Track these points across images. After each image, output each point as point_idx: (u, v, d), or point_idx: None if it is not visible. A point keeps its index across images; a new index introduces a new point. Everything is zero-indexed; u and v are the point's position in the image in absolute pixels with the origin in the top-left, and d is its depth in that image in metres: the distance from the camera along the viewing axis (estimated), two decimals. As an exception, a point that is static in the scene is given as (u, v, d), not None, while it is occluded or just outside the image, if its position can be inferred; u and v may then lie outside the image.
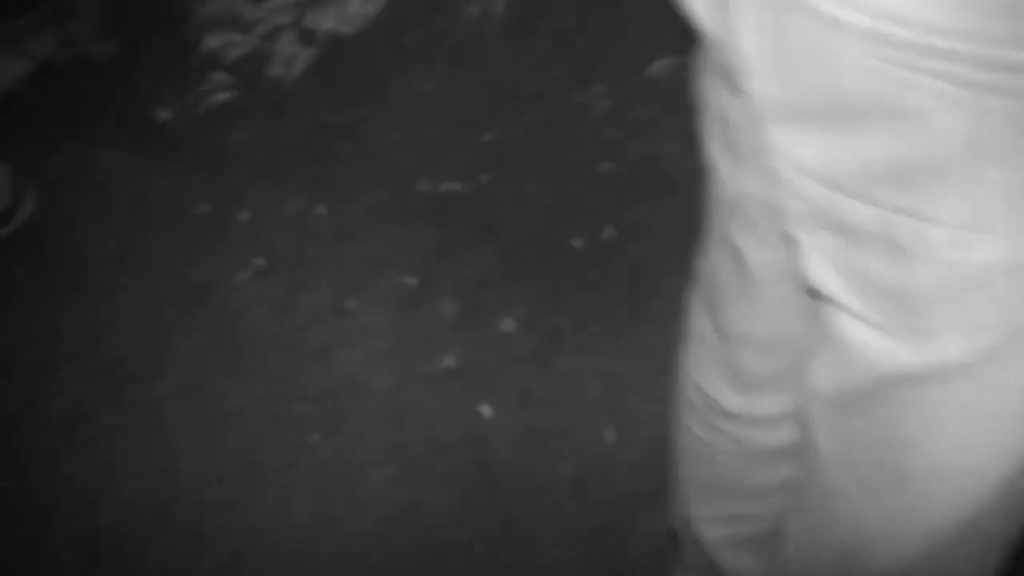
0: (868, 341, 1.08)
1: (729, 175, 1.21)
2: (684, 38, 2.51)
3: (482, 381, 2.25)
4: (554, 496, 2.15)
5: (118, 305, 2.43)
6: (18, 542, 2.24)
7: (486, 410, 2.22)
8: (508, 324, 2.28)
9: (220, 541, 2.19)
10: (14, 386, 2.38)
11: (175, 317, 2.39)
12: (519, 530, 2.13)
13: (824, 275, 1.05)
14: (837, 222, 0.99)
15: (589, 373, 2.23)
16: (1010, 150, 0.90)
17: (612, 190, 2.39)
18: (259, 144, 2.53)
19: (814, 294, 1.09)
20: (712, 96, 1.17)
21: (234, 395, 2.30)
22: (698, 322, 1.44)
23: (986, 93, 0.86)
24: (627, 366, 2.23)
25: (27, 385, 2.38)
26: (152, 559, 2.20)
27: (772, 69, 0.94)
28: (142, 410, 2.32)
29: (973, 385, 1.06)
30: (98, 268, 2.48)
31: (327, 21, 2.62)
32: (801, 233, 1.03)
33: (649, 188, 2.39)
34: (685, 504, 1.71)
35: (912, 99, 0.88)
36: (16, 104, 2.70)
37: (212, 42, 2.66)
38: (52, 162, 2.60)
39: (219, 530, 2.20)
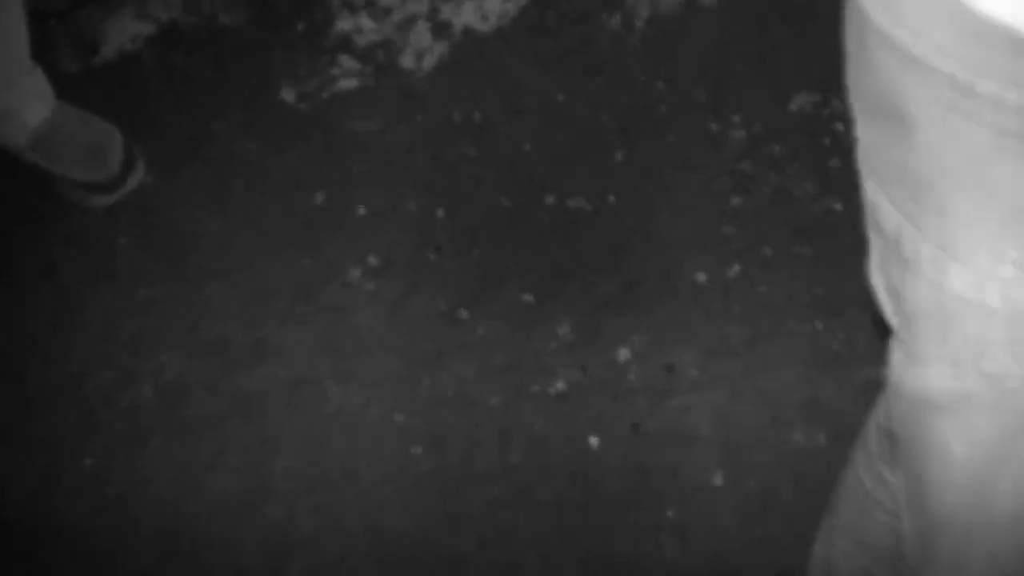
0: (897, 357, 1.07)
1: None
2: (827, 75, 2.45)
3: (592, 410, 2.19)
4: (656, 537, 2.09)
5: (222, 288, 2.38)
6: (99, 524, 2.20)
7: (594, 440, 2.17)
8: (624, 353, 2.22)
9: (308, 547, 2.14)
10: (106, 361, 2.33)
11: (281, 307, 2.33)
12: (617, 570, 2.08)
13: (874, 280, 1.04)
14: (877, 223, 1.01)
15: (703, 412, 2.17)
16: (978, 182, 0.89)
17: (741, 225, 2.32)
18: (383, 136, 2.47)
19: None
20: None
21: (336, 396, 2.25)
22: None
23: (961, 117, 0.86)
24: (743, 410, 2.18)
25: (120, 361, 2.33)
26: (235, 557, 2.15)
27: (851, 54, 0.96)
28: (240, 400, 2.27)
29: (962, 425, 1.04)
30: (204, 247, 2.43)
31: (463, 15, 2.55)
32: (869, 233, 1.02)
33: (779, 227, 2.32)
34: (830, 546, 1.67)
35: (907, 105, 0.89)
36: (133, 68, 2.64)
37: (344, 25, 2.60)
38: (168, 131, 2.55)
39: (308, 536, 2.15)
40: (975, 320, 0.98)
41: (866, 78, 0.92)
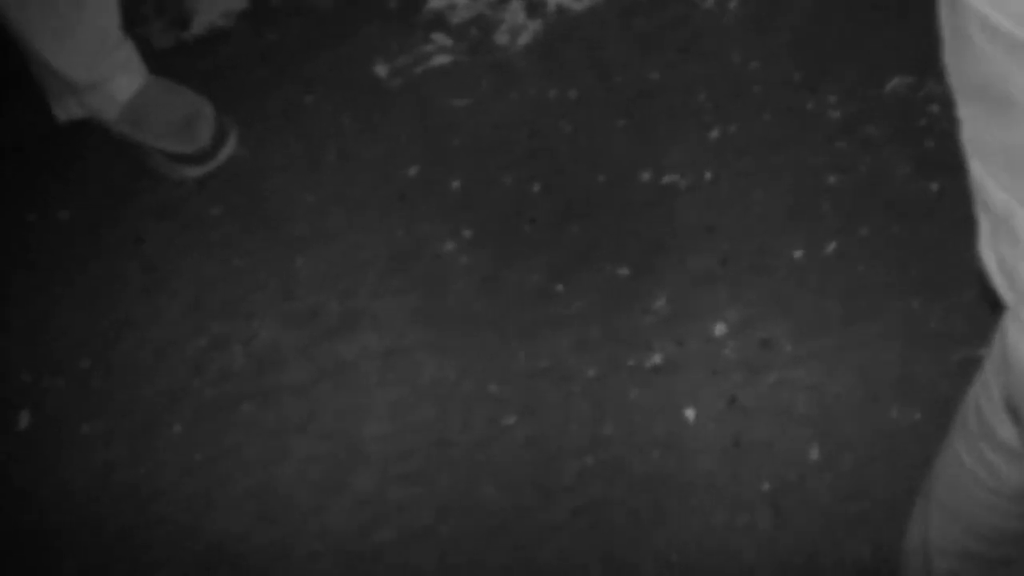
0: (1013, 333, 1.06)
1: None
2: (922, 57, 2.43)
3: (688, 383, 2.17)
4: (751, 511, 2.07)
5: (315, 257, 2.38)
6: (186, 488, 2.20)
7: (690, 414, 2.15)
8: (720, 328, 2.21)
9: (397, 515, 2.13)
10: (197, 328, 2.33)
11: (375, 278, 2.33)
12: (713, 542, 2.06)
13: (985, 257, 1.02)
14: (985, 203, 0.99)
15: (799, 388, 2.15)
16: None
17: (838, 204, 2.30)
18: (477, 112, 2.46)
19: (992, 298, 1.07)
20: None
21: (430, 366, 2.24)
22: (1000, 340, 1.38)
23: None
24: (839, 386, 2.15)
25: (211, 328, 2.33)
26: (323, 522, 2.14)
27: (948, 39, 0.95)
28: (332, 367, 2.27)
29: None
30: (297, 217, 2.42)
31: (557, -6, 2.55)
32: (977, 212, 1.02)
33: (874, 207, 2.30)
34: (926, 527, 1.64)
35: (1012, 89, 0.88)
36: (226, 42, 2.65)
37: (437, 2, 2.60)
38: (260, 104, 2.55)
39: (399, 503, 2.14)
40: None
41: (967, 63, 0.92)
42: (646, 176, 2.37)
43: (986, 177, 0.97)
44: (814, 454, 2.11)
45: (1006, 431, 1.40)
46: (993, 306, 1.22)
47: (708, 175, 2.36)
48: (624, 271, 2.28)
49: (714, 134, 2.40)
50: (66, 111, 2.49)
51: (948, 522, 1.62)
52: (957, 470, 1.53)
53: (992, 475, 1.47)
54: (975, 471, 1.49)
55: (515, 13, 2.57)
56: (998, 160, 0.95)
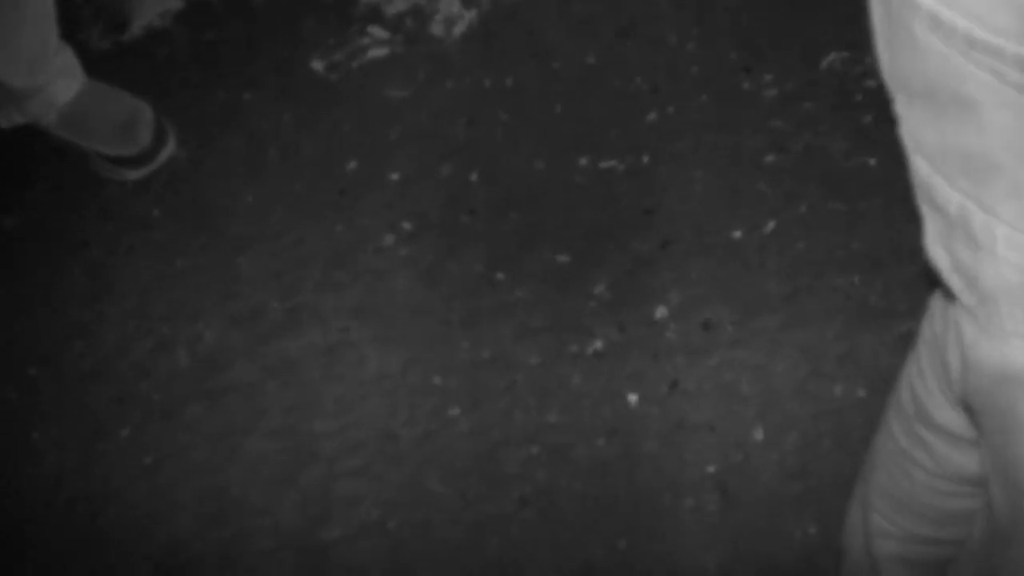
0: (971, 332, 1.06)
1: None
2: (860, 32, 2.43)
3: (631, 368, 2.18)
4: (698, 494, 2.08)
5: (258, 257, 2.38)
6: (138, 491, 2.20)
7: (633, 399, 2.16)
8: (661, 312, 2.21)
9: (347, 511, 2.14)
10: (142, 331, 2.33)
11: (317, 274, 2.33)
12: (661, 526, 2.06)
13: (935, 255, 1.02)
14: (934, 201, 0.98)
15: (742, 368, 2.16)
16: None
17: (776, 182, 2.31)
18: (414, 104, 2.47)
19: (933, 277, 1.07)
20: None
21: (374, 360, 2.24)
22: (930, 323, 1.38)
23: None
24: (782, 365, 2.16)
25: (157, 330, 2.33)
26: (275, 520, 2.15)
27: (883, 35, 0.93)
28: (277, 367, 2.27)
29: None
30: (238, 216, 2.43)
31: (492, -18, 2.55)
32: (922, 208, 1.01)
33: (813, 183, 2.31)
34: (867, 510, 1.65)
35: (970, 90, 0.86)
36: (164, 43, 2.65)
37: (372, -5, 2.59)
38: (198, 105, 2.55)
39: (347, 499, 2.14)
40: None
41: (908, 60, 0.90)
42: (584, 161, 2.37)
43: (934, 175, 0.96)
44: (758, 434, 2.12)
45: (944, 415, 1.40)
46: (932, 282, 1.23)
47: (646, 158, 2.36)
48: (564, 257, 2.28)
49: (651, 117, 2.41)
50: (7, 118, 2.48)
51: (889, 506, 1.62)
52: (895, 452, 1.53)
53: (931, 457, 1.46)
54: (912, 453, 1.49)
55: (450, 3, 2.58)
56: (952, 162, 0.93)
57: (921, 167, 0.97)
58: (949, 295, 1.09)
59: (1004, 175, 0.90)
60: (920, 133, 0.95)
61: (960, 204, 0.95)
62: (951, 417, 1.38)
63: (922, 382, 1.39)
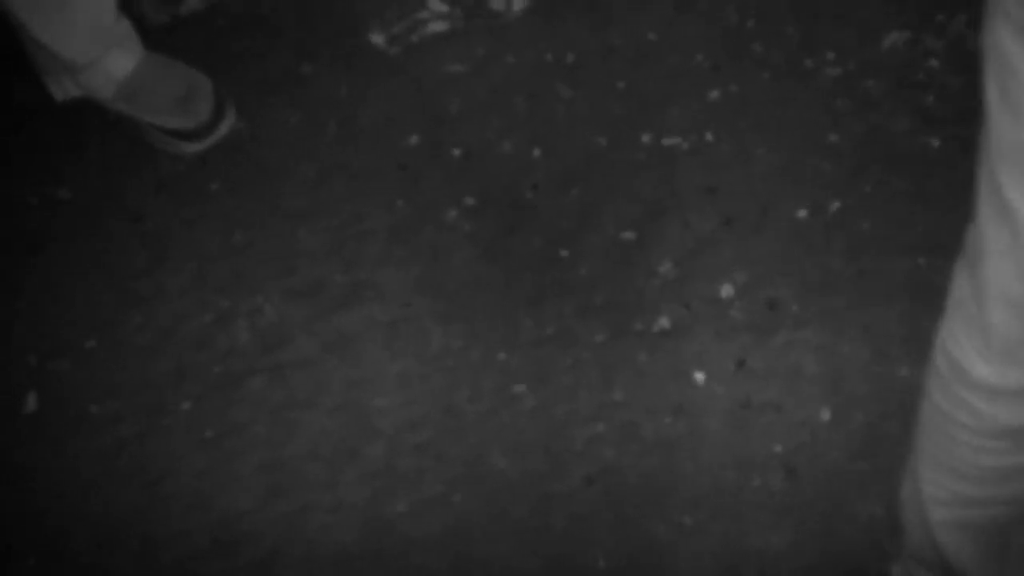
0: None
1: (1007, 125, 1.16)
2: (920, 13, 2.42)
3: (696, 347, 2.18)
4: (763, 473, 2.08)
5: (317, 230, 2.37)
6: (197, 465, 2.19)
7: (699, 377, 2.15)
8: (727, 290, 2.21)
9: (408, 486, 2.13)
10: (201, 305, 2.33)
11: (378, 249, 2.33)
12: (726, 505, 2.06)
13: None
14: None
15: (808, 349, 2.16)
16: None
17: (839, 162, 2.30)
18: (475, 78, 2.46)
19: None
20: (1000, 44, 1.13)
21: (436, 336, 2.24)
22: (958, 286, 1.40)
23: None
24: (847, 346, 2.16)
25: (216, 303, 2.33)
26: (336, 495, 2.14)
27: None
28: (338, 340, 2.26)
29: None
30: (298, 190, 2.42)
31: (553, -41, 2.54)
32: None
33: (876, 163, 2.30)
34: (917, 481, 1.65)
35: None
36: (221, 15, 2.64)
37: (432, -32, 2.58)
38: (256, 77, 2.54)
39: (410, 474, 2.14)
40: None
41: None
42: (646, 139, 2.36)
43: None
44: (824, 414, 2.11)
45: (980, 370, 1.41)
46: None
47: (709, 136, 2.35)
48: (628, 235, 2.28)
49: (714, 94, 2.40)
50: (63, 90, 2.48)
51: (936, 471, 1.62)
52: (937, 418, 1.54)
53: (972, 415, 1.46)
54: (954, 415, 1.48)
55: (510, -23, 2.56)
56: None
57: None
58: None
59: None
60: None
61: None
62: (988, 371, 1.39)
63: (955, 342, 1.40)
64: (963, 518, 1.63)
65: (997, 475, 1.53)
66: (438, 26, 2.55)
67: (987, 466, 1.52)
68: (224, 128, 2.49)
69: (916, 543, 1.73)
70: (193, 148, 2.47)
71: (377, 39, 2.54)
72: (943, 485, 1.61)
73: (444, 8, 2.55)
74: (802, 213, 2.26)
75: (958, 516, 1.63)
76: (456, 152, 2.40)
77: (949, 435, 1.52)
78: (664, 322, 2.20)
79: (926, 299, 2.10)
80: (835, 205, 2.27)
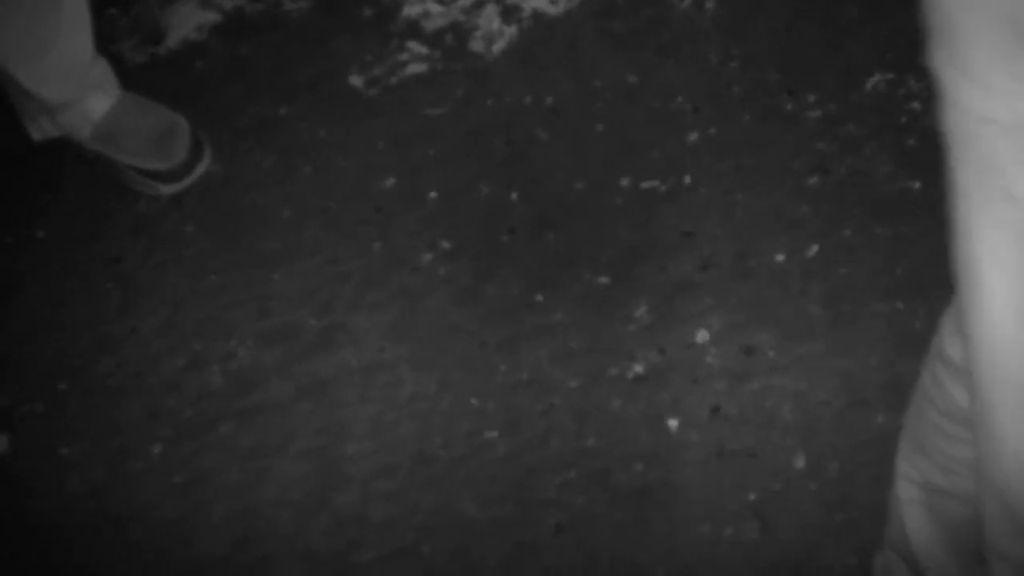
0: None
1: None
2: (902, 55, 2.40)
3: (671, 393, 2.15)
4: (737, 522, 2.05)
5: (292, 274, 2.35)
6: (168, 510, 2.17)
7: (673, 424, 2.13)
8: (702, 335, 2.18)
9: (379, 534, 2.11)
10: (174, 348, 2.31)
11: (352, 293, 2.31)
12: (699, 556, 2.04)
13: None
14: None
15: (783, 395, 2.13)
16: None
17: (819, 206, 2.28)
18: (453, 121, 2.44)
19: None
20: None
21: (409, 381, 2.22)
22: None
23: None
24: (824, 392, 2.13)
25: (189, 347, 2.31)
26: (306, 542, 2.12)
27: None
28: (310, 385, 2.24)
29: None
30: (273, 232, 2.40)
31: (532, -1, 2.53)
32: None
33: (857, 207, 2.28)
34: (897, 455, 1.65)
35: None
36: (200, 57, 2.63)
37: (412, 10, 2.57)
38: (234, 119, 2.53)
39: (381, 522, 2.11)
40: None
41: None
42: (624, 182, 2.34)
43: None
44: (799, 462, 2.09)
45: (953, 348, 1.41)
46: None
47: (687, 179, 2.33)
48: (604, 279, 2.26)
49: (693, 137, 2.38)
50: (40, 130, 2.47)
51: (910, 447, 1.64)
52: (919, 394, 1.55)
53: (940, 394, 1.47)
54: (929, 391, 1.50)
55: (490, 19, 2.55)
56: None
57: None
58: None
59: None
60: None
61: None
62: (955, 350, 1.36)
63: (948, 324, 1.40)
64: (930, 501, 1.62)
65: (956, 464, 1.53)
66: (417, 67, 2.53)
67: (947, 453, 1.52)
68: (200, 169, 2.47)
69: (895, 531, 1.72)
70: (169, 189, 2.46)
71: (356, 81, 2.53)
72: (912, 461, 1.62)
73: (424, 50, 2.54)
74: (780, 257, 2.24)
75: (925, 499, 1.62)
76: (432, 195, 2.38)
77: (921, 411, 1.54)
78: (639, 368, 2.18)
79: (904, 345, 2.09)
80: (813, 249, 2.25)
